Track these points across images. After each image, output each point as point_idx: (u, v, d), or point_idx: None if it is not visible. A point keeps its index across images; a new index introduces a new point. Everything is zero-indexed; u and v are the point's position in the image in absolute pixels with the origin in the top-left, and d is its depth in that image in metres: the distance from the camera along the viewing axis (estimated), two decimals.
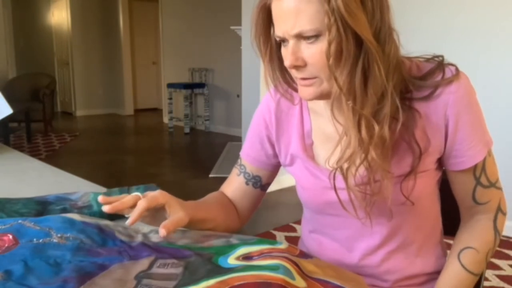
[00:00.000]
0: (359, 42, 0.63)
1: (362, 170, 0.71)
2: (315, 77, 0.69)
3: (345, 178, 0.71)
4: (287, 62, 0.68)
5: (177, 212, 0.71)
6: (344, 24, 0.61)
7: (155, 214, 0.73)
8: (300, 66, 0.68)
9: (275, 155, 0.88)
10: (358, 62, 0.64)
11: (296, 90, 0.78)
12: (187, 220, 0.72)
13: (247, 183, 0.90)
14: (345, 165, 0.70)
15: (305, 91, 0.71)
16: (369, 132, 0.67)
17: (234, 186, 0.91)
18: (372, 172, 0.70)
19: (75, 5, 7.64)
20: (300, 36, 0.66)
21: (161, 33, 7.08)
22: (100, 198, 0.69)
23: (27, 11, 8.25)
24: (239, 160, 0.92)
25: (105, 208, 0.67)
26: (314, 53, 0.66)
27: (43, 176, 1.22)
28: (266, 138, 0.87)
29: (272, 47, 0.74)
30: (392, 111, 0.67)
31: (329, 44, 0.63)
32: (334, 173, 0.72)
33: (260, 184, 0.91)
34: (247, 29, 3.38)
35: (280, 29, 0.68)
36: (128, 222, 0.66)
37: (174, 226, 0.68)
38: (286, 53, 0.68)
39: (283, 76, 0.78)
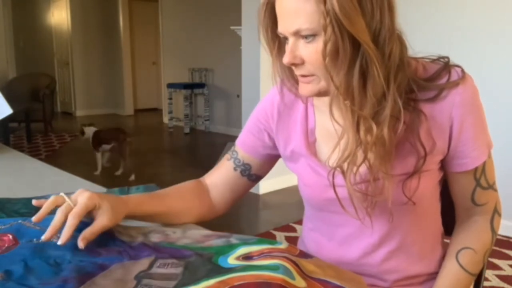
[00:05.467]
0: (356, 43, 0.63)
1: (363, 169, 0.71)
2: (313, 75, 0.69)
3: (345, 178, 0.71)
4: (285, 59, 0.69)
5: (100, 216, 0.68)
6: (339, 26, 0.61)
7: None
8: (298, 64, 0.69)
9: (272, 147, 0.88)
10: (356, 63, 0.64)
11: None
12: (110, 225, 0.68)
13: (235, 169, 0.90)
14: (345, 165, 0.70)
15: (304, 87, 0.72)
16: (367, 133, 0.67)
17: (222, 170, 0.91)
18: (373, 172, 0.70)
19: (75, 5, 7.64)
20: (298, 35, 0.66)
21: (161, 33, 7.08)
22: (34, 202, 0.68)
23: (27, 11, 8.25)
24: (233, 147, 0.92)
25: (34, 219, 0.66)
26: (311, 52, 0.66)
27: (43, 176, 1.22)
28: (263, 128, 0.87)
29: (280, 42, 0.74)
30: (394, 112, 0.67)
31: (325, 44, 0.63)
32: (334, 172, 0.72)
33: (248, 173, 0.90)
34: (247, 29, 3.38)
35: (281, 26, 0.69)
36: (59, 242, 0.63)
37: (91, 235, 0.65)
38: (286, 50, 0.69)
39: (290, 71, 0.77)
